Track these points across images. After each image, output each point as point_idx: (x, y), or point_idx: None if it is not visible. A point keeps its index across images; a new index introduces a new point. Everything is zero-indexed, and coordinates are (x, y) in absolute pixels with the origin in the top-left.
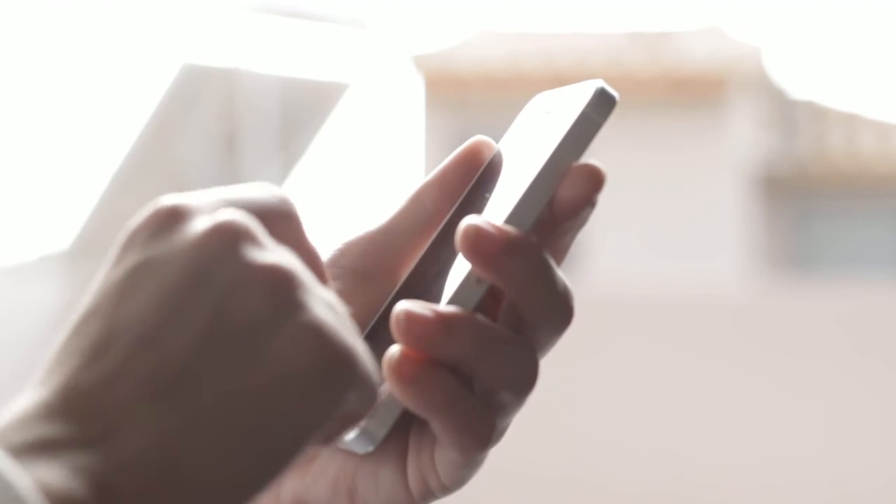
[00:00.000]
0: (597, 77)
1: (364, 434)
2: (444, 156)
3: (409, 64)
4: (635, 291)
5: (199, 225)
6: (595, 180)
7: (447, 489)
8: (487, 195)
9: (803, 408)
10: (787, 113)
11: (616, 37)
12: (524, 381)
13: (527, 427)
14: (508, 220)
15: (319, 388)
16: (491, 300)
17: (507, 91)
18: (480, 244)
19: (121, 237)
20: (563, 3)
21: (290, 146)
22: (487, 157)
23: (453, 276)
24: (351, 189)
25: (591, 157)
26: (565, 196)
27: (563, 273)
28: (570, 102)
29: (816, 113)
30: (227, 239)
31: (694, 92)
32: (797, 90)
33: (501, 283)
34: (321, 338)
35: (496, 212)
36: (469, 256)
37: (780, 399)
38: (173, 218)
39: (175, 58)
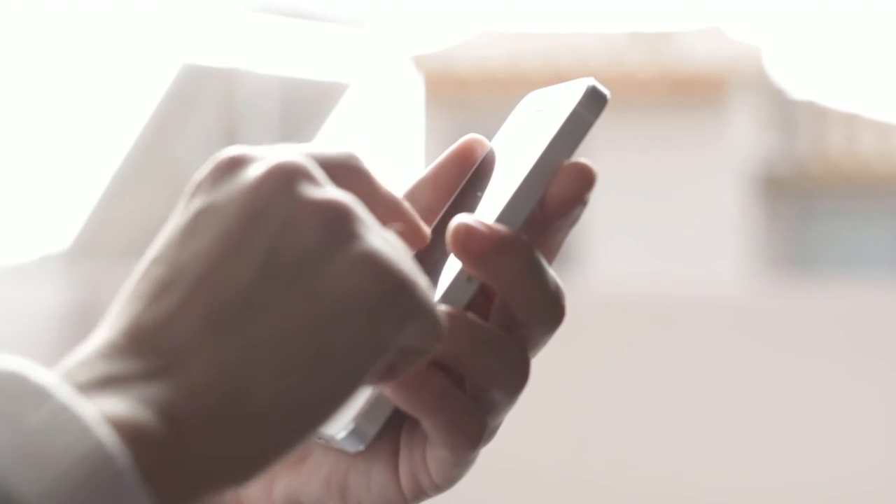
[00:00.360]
0: (596, 77)
1: (355, 432)
2: None
3: (409, 64)
4: (635, 292)
5: (258, 168)
6: (586, 179)
7: (439, 488)
8: (480, 193)
9: (803, 408)
10: (787, 113)
11: (616, 37)
12: (515, 379)
13: (527, 427)
14: (499, 219)
15: (377, 316)
16: (483, 299)
17: (507, 91)
18: (470, 242)
19: (186, 189)
20: (563, 3)
21: None
22: (480, 155)
23: (445, 274)
24: None
25: (592, 156)
26: (556, 194)
27: (554, 272)
28: (562, 101)
29: (816, 113)
30: (284, 178)
31: (694, 92)
32: (797, 90)
33: (492, 281)
34: (377, 266)
35: (488, 210)
36: (459, 255)
37: (780, 399)
38: (234, 165)
39: (175, 58)
